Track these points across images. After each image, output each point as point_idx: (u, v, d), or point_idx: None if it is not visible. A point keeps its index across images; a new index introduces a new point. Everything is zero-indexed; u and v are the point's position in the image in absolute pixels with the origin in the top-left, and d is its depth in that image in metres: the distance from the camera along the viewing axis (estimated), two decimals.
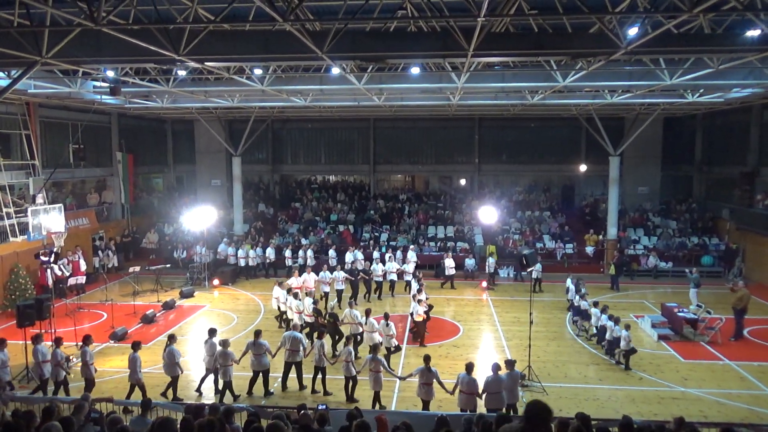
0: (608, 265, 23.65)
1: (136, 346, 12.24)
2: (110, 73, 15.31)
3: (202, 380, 12.95)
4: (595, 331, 16.21)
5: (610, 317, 15.02)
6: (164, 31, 10.50)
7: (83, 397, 9.08)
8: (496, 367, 10.92)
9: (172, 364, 12.33)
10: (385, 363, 12.14)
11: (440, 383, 11.05)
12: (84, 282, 21.76)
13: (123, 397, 11.83)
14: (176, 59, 11.14)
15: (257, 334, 12.79)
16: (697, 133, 29.85)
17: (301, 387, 13.06)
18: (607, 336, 14.97)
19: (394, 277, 21.76)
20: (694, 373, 14.16)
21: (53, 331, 14.90)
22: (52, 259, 18.17)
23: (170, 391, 12.44)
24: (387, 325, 14.14)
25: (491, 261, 22.88)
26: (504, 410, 10.51)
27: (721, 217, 26.80)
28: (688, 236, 26.62)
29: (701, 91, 19.29)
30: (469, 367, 10.88)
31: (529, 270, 15.29)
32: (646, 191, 30.45)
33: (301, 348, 12.94)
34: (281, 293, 17.26)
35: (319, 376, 12.93)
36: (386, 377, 12.18)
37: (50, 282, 18.33)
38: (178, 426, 5.48)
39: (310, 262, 22.93)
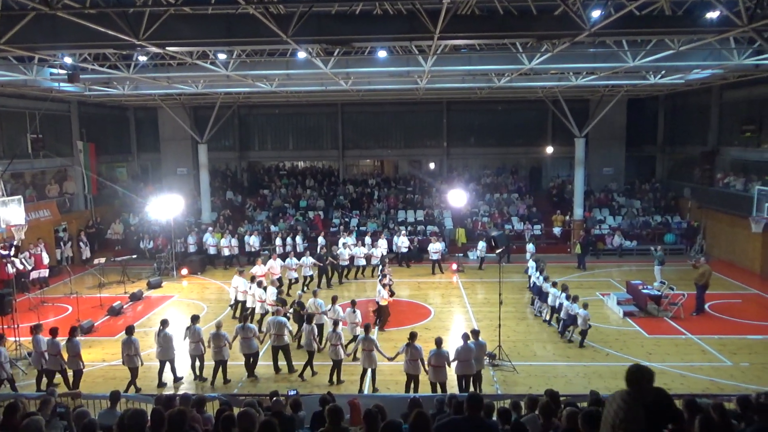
0: (574, 245, 24.11)
1: (130, 330, 12.41)
2: (68, 60, 14.76)
3: (197, 367, 13.13)
4: (550, 313, 16.40)
5: (568, 297, 15.25)
6: (123, 14, 10.18)
7: (49, 392, 8.89)
8: (466, 337, 11.58)
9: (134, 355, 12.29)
10: (377, 343, 12.28)
11: (422, 360, 11.42)
12: (47, 275, 21.23)
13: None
14: (136, 44, 10.84)
15: (245, 318, 13.50)
16: (659, 115, 30.53)
17: (291, 371, 13.18)
18: (562, 314, 15.23)
19: (363, 261, 21.88)
20: (658, 348, 14.59)
21: (17, 326, 14.56)
22: (12, 253, 17.66)
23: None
24: (353, 312, 14.03)
25: (433, 247, 22.85)
26: (473, 377, 11.56)
27: (683, 197, 27.53)
28: (651, 215, 27.29)
29: (663, 72, 19.67)
30: (438, 342, 11.45)
31: (497, 252, 15.46)
32: (611, 172, 31.03)
33: (287, 332, 13.11)
34: (241, 282, 17.00)
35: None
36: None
37: (11, 275, 17.81)
38: (149, 417, 5.41)
39: (288, 248, 22.84)
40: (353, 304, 14.30)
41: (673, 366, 13.41)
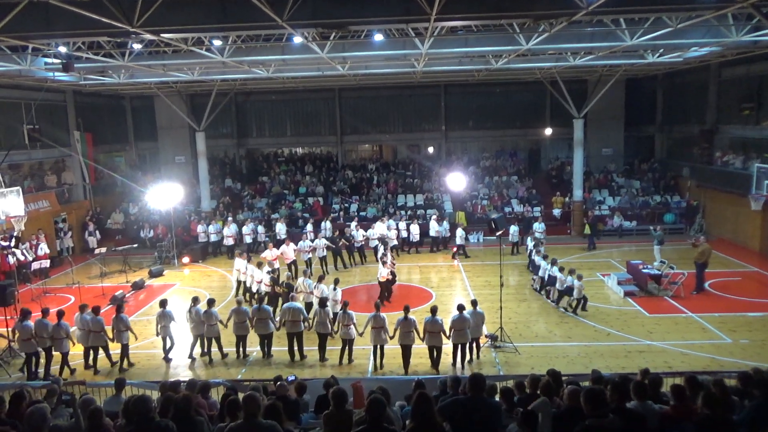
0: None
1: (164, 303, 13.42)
2: (62, 49, 14.66)
3: (192, 346, 13.57)
4: (540, 283, 17.30)
5: (561, 269, 15.85)
6: (116, 1, 10.09)
7: (54, 380, 8.98)
8: (461, 307, 12.42)
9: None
10: (386, 321, 12.65)
11: (416, 330, 12.26)
12: (48, 266, 21.26)
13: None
14: (130, 31, 10.76)
15: (261, 300, 13.91)
16: (657, 94, 30.38)
17: (303, 357, 13.30)
18: (558, 286, 15.81)
19: (376, 242, 21.89)
20: (659, 327, 14.65)
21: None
22: (13, 244, 17.67)
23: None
24: (335, 290, 14.42)
25: (461, 233, 22.92)
26: (468, 344, 12.56)
27: (682, 176, 27.48)
28: (650, 195, 27.27)
29: (661, 51, 19.52)
30: (433, 310, 12.37)
31: (497, 234, 15.48)
32: (610, 152, 30.95)
33: (302, 318, 13.23)
34: (242, 264, 17.37)
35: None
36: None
37: (12, 266, 17.86)
38: (154, 403, 5.45)
39: (282, 236, 22.75)
40: (336, 282, 14.71)
41: (674, 344, 13.48)
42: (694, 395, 5.71)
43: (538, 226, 22.68)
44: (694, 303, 16.30)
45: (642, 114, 30.91)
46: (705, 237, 19.09)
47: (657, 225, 21.76)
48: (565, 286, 15.75)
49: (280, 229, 23.29)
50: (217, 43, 16.13)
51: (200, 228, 24.17)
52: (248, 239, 23.69)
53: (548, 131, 30.45)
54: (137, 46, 16.56)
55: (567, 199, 26.87)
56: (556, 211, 26.78)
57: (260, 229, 24.23)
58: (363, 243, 21.97)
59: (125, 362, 13.11)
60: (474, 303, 12.97)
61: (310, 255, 20.51)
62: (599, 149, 30.86)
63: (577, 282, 15.45)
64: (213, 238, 24.13)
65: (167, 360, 13.49)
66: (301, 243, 20.45)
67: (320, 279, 14.87)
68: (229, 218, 24.72)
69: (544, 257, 17.36)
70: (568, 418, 5.10)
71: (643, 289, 17.36)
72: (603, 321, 15.06)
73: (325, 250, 20.61)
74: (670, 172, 28.81)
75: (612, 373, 9.29)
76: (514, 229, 22.90)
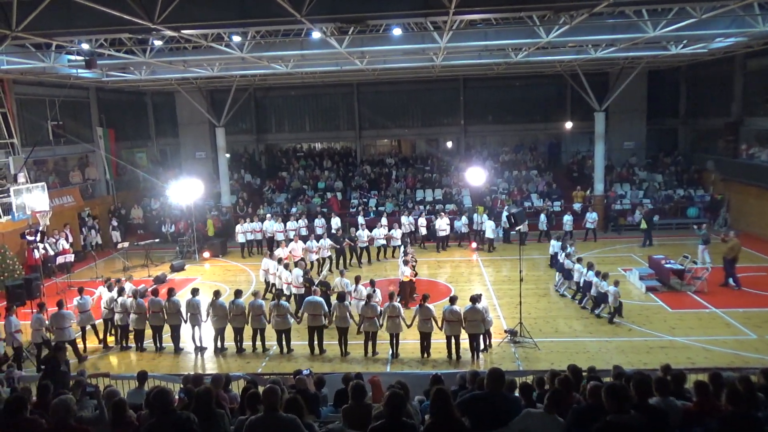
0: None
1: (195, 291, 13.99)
2: (85, 46, 14.85)
3: (215, 340, 13.77)
4: (576, 290, 16.37)
5: (597, 273, 15.12)
6: None
7: (80, 373, 9.16)
8: (474, 299, 12.68)
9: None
10: (401, 310, 12.99)
11: (434, 318, 12.64)
12: (72, 260, 21.62)
13: None
14: (151, 27, 10.86)
15: (278, 296, 13.82)
16: (681, 86, 29.85)
17: (322, 351, 13.40)
18: (593, 291, 15.13)
19: (382, 242, 21.89)
20: (682, 322, 14.45)
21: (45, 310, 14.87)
22: (38, 238, 17.98)
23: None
24: (374, 291, 14.22)
25: (491, 225, 22.87)
26: (482, 335, 12.77)
27: (706, 169, 27.01)
28: (674, 189, 26.84)
29: (684, 42, 19.17)
30: (453, 299, 12.80)
31: (517, 228, 15.38)
32: (632, 146, 30.53)
33: (323, 313, 13.31)
34: (271, 264, 17.33)
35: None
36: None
37: (38, 260, 18.21)
38: (176, 397, 5.53)
39: (303, 231, 22.79)
40: (372, 284, 14.52)
41: (697, 340, 13.29)
42: (717, 392, 5.63)
43: (569, 219, 22.93)
44: (718, 298, 16.03)
45: (665, 106, 30.41)
46: (735, 232, 18.68)
47: (702, 223, 21.07)
48: (599, 291, 14.86)
49: (302, 224, 23.26)
50: (237, 38, 16.20)
51: (239, 228, 23.35)
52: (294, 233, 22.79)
53: (569, 125, 30.11)
54: (158, 43, 16.75)
55: (588, 193, 26.59)
56: (577, 206, 26.49)
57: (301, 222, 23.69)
58: (368, 243, 21.64)
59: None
60: (474, 298, 12.72)
61: (316, 256, 20.10)
62: (621, 142, 30.43)
63: (612, 288, 14.51)
64: (249, 237, 23.41)
65: (201, 349, 13.75)
66: (309, 242, 20.21)
67: (357, 280, 14.77)
68: (268, 215, 24.58)
69: (578, 260, 16.40)
70: (588, 414, 5.05)
71: (665, 284, 17.12)
72: (624, 316, 14.87)
73: (329, 250, 20.33)
74: (693, 166, 28.34)
75: (633, 369, 9.18)
76: (543, 218, 23.30)
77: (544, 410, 5.27)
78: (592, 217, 23.51)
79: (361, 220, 23.25)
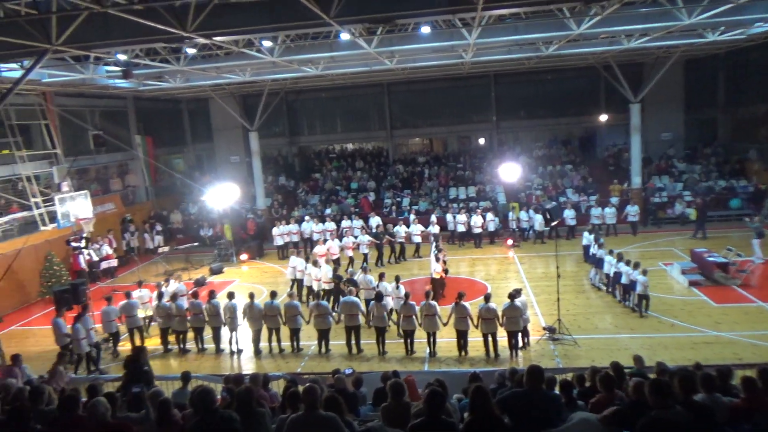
0: (641, 213, 23.29)
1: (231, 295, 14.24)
2: (121, 56, 15.29)
3: (255, 342, 14.00)
4: (607, 281, 16.29)
5: (627, 263, 14.95)
6: (170, 8, 10.45)
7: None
8: (512, 295, 12.60)
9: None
10: (438, 308, 12.96)
11: (470, 316, 12.58)
12: (116, 265, 22.22)
13: None
14: (184, 36, 11.10)
15: (319, 296, 14.38)
16: (719, 74, 28.97)
17: (359, 351, 13.51)
18: (623, 280, 14.97)
19: (419, 239, 21.89)
20: (727, 317, 14.04)
21: (91, 314, 15.33)
22: (83, 245, 18.54)
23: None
24: (397, 287, 14.38)
25: (539, 218, 22.84)
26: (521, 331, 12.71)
27: (748, 159, 26.18)
28: (715, 180, 26.06)
29: (722, 28, 18.58)
30: (487, 297, 12.81)
31: (553, 224, 15.20)
32: (669, 137, 29.77)
33: (360, 313, 13.42)
34: (298, 262, 17.69)
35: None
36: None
37: (83, 266, 18.80)
38: (219, 396, 5.65)
39: (344, 231, 22.91)
40: (397, 280, 14.69)
41: (744, 335, 12.90)
42: (766, 388, 5.46)
43: (596, 212, 22.76)
44: (765, 292, 15.52)
45: (703, 96, 29.53)
46: None
47: (755, 215, 20.29)
48: (629, 280, 14.72)
49: (333, 227, 23.43)
50: (267, 43, 16.44)
51: (276, 230, 23.47)
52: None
53: (603, 117, 29.56)
54: (191, 51, 17.08)
55: (625, 186, 26.06)
56: (614, 200, 25.97)
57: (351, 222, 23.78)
58: (404, 240, 21.80)
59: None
60: (513, 294, 12.67)
61: (352, 253, 20.50)
62: (658, 134, 29.70)
63: (641, 277, 14.30)
64: (286, 238, 23.53)
65: (238, 351, 13.99)
66: (345, 239, 20.55)
67: (381, 276, 14.86)
68: (306, 216, 24.77)
69: (609, 252, 16.20)
70: (631, 411, 4.96)
71: (709, 278, 16.64)
72: (667, 312, 14.55)
73: (368, 246, 20.62)
74: (734, 155, 27.48)
75: (677, 365, 8.98)
76: (570, 212, 23.14)
77: (601, 423, 5.09)
78: (633, 210, 23.11)
79: (411, 216, 23.25)
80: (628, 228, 23.23)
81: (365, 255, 20.45)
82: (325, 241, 20.16)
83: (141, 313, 14.88)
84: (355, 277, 15.81)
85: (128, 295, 14.42)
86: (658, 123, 29.43)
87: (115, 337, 14.28)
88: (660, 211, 24.71)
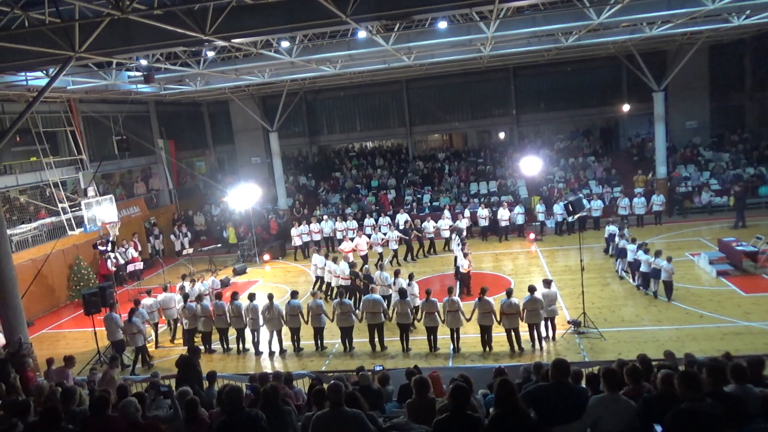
0: (668, 203, 22.92)
1: (252, 296, 14.31)
2: (143, 62, 15.54)
3: (279, 342, 14.12)
4: (629, 269, 16.45)
5: (647, 251, 15.03)
6: (189, 11, 10.56)
7: (153, 375, 9.60)
8: (532, 288, 12.55)
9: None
10: (460, 304, 12.99)
11: (493, 312, 12.60)
12: (141, 268, 22.57)
13: None
14: (204, 39, 11.21)
15: (341, 294, 14.57)
16: (746, 59, 28.30)
17: (383, 348, 13.55)
18: (643, 268, 14.95)
19: (447, 234, 21.86)
20: (757, 307, 13.75)
21: (119, 316, 15.62)
22: (109, 248, 18.88)
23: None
24: (409, 284, 14.29)
25: (539, 207, 22.84)
26: (543, 322, 12.77)
27: None
28: (743, 168, 25.49)
29: (747, 12, 18.13)
30: (509, 292, 12.83)
31: (575, 217, 15.05)
32: (695, 125, 29.17)
33: (382, 309, 13.46)
34: (319, 259, 17.89)
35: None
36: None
37: (111, 269, 19.15)
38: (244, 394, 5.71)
39: (368, 230, 22.83)
40: (410, 277, 14.64)
41: None
42: None
43: (624, 202, 22.74)
44: None
45: (729, 82, 28.87)
46: None
47: None
48: (651, 268, 14.76)
49: (354, 225, 23.48)
50: (285, 44, 16.53)
51: (294, 231, 23.56)
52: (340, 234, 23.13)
53: (626, 107, 29.10)
54: (210, 54, 17.28)
55: (650, 176, 25.65)
56: (638, 190, 25.59)
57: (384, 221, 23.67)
58: (434, 234, 21.88)
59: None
60: (547, 283, 13.20)
61: (381, 249, 20.66)
62: (683, 122, 29.14)
63: (666, 264, 14.30)
64: (305, 238, 23.63)
65: (258, 353, 14.09)
66: (373, 236, 20.68)
67: (397, 273, 14.92)
68: (325, 216, 24.92)
69: (632, 241, 16.33)
70: (659, 403, 4.89)
71: (738, 267, 16.31)
72: (695, 303, 14.30)
73: (397, 242, 20.80)
74: (763, 142, 26.84)
75: (706, 356, 8.82)
76: (596, 204, 23.10)
77: (607, 392, 5.17)
78: (659, 200, 22.83)
79: (447, 213, 23.09)
80: (652, 219, 22.90)
81: (394, 251, 20.57)
82: (352, 239, 20.31)
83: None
84: (372, 274, 15.85)
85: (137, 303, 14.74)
86: (683, 111, 28.88)
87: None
88: (686, 200, 24.26)
